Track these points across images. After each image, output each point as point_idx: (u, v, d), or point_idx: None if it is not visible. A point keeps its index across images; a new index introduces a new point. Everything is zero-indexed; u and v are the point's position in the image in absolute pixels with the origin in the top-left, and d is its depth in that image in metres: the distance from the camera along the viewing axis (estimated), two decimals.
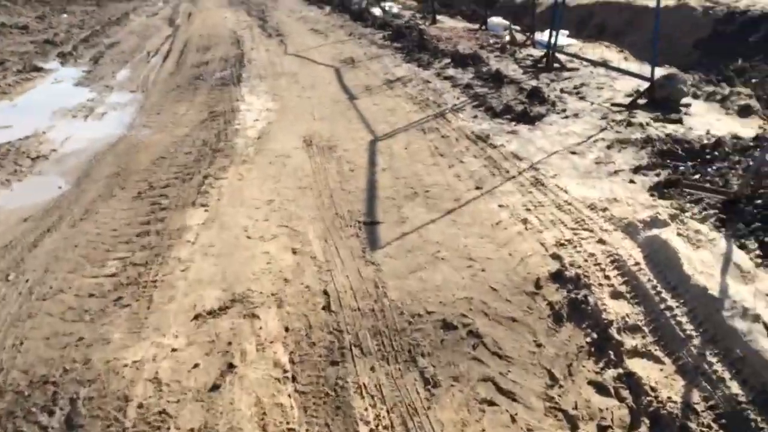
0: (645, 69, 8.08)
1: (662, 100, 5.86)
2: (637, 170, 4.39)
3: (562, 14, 8.15)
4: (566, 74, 7.75)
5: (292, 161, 5.60)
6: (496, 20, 12.02)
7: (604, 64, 7.65)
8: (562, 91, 7.00)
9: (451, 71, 8.47)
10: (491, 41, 10.63)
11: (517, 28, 11.61)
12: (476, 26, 12.34)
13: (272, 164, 5.56)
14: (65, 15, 22.23)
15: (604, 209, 3.79)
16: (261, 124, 7.21)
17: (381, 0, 17.30)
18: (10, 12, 22.89)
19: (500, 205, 4.17)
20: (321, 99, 8.00)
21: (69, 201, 5.39)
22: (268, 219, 4.32)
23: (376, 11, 15.92)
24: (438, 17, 14.30)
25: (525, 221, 3.85)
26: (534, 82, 7.43)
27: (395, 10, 16.72)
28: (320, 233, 4.03)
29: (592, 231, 3.56)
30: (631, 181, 4.25)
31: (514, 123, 5.91)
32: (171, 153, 6.50)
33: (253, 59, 11.38)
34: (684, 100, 5.89)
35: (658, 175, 4.27)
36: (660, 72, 7.64)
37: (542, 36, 9.86)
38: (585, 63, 8.15)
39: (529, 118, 5.90)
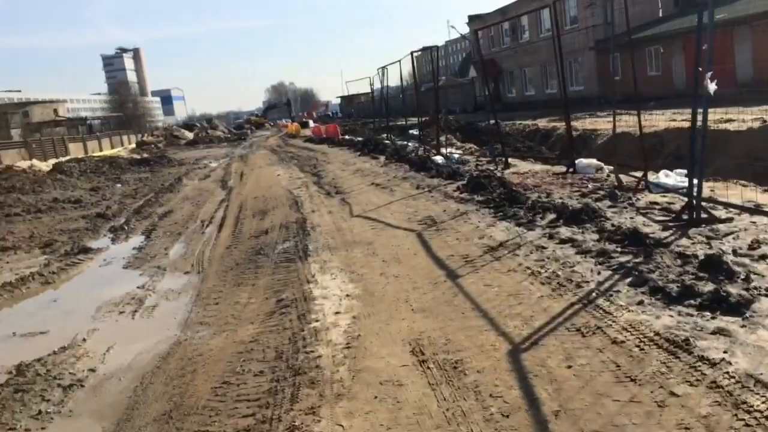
0: None
1: None
2: None
3: (704, 148, 6.65)
4: (722, 227, 6.15)
5: (407, 395, 3.95)
6: (586, 161, 10.75)
7: None
8: (736, 253, 5.34)
9: (564, 231, 6.95)
10: (590, 186, 9.26)
11: (611, 168, 10.28)
12: (561, 169, 11.10)
13: (380, 401, 3.92)
14: (119, 185, 22.25)
15: None
16: (345, 320, 5.69)
17: (440, 146, 16.50)
18: (65, 185, 23.07)
19: None
20: (413, 278, 6.51)
21: None
22: None
23: (438, 159, 15.00)
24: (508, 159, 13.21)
25: None
26: (687, 242, 5.82)
27: (456, 155, 15.81)
28: None
29: None
30: None
31: (709, 314, 4.21)
32: (237, 373, 4.97)
33: (316, 225, 10.19)
34: None
35: None
36: None
37: (657, 177, 8.43)
38: (734, 210, 6.57)
39: (729, 305, 4.21)
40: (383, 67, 23.33)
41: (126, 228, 13.61)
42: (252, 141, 54.23)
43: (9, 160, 34.23)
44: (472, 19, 62.53)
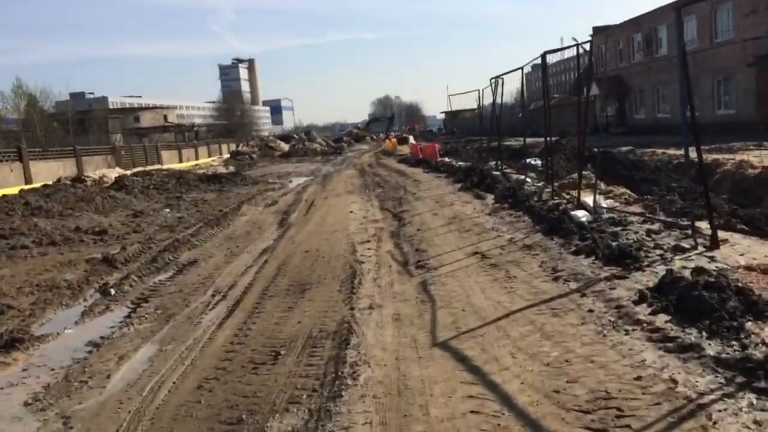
0: None
1: None
2: None
3: None
4: None
5: None
6: None
7: None
8: None
9: None
10: None
11: None
12: None
13: None
14: (167, 210, 18.51)
15: None
16: None
17: (579, 190, 11.09)
18: (114, 205, 19.69)
19: None
20: None
21: None
22: None
23: (580, 214, 9.67)
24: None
25: None
26: None
27: (604, 206, 10.42)
28: None
29: None
30: None
31: None
32: None
33: (364, 359, 5.30)
34: None
35: None
36: None
37: None
38: None
39: None
40: (497, 77, 18.20)
41: (118, 290, 9.52)
42: (346, 156, 50.59)
43: (92, 167, 32.24)
44: (598, 31, 55.85)
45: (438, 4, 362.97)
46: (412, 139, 56.47)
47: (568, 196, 11.74)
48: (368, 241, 10.84)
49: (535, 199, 12.07)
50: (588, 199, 10.61)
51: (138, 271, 10.75)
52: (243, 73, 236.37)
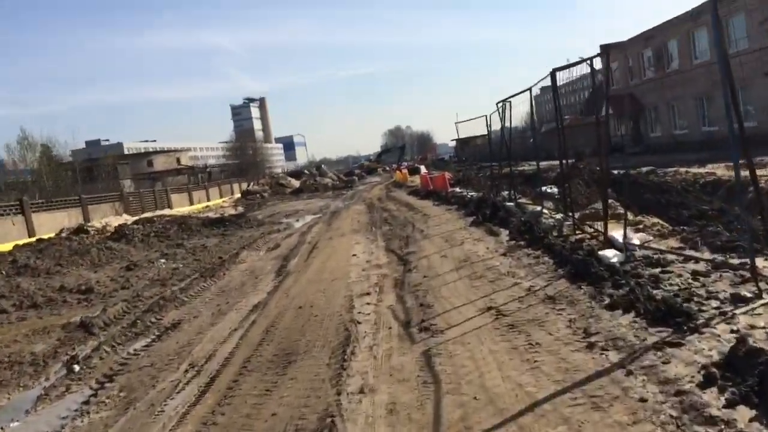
0: None
1: None
2: None
3: None
4: None
5: None
6: None
7: None
8: None
9: None
10: None
11: None
12: None
13: None
14: (163, 260, 17.41)
15: None
16: None
17: (606, 221, 9.71)
18: (110, 257, 18.62)
19: None
20: None
21: None
22: None
23: (610, 254, 8.31)
24: None
25: None
26: None
27: (636, 241, 9.05)
28: None
29: None
30: None
31: None
32: None
33: None
34: None
35: None
36: None
37: None
38: None
39: None
40: (504, 100, 17.03)
41: (84, 366, 8.39)
42: (356, 190, 49.56)
43: (99, 215, 31.51)
44: (605, 50, 54.80)
45: (449, 33, 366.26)
46: (423, 169, 55.33)
47: (591, 230, 10.40)
48: (368, 294, 9.57)
49: (555, 234, 10.75)
50: (615, 232, 9.27)
51: (113, 339, 9.61)
52: (254, 111, 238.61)
